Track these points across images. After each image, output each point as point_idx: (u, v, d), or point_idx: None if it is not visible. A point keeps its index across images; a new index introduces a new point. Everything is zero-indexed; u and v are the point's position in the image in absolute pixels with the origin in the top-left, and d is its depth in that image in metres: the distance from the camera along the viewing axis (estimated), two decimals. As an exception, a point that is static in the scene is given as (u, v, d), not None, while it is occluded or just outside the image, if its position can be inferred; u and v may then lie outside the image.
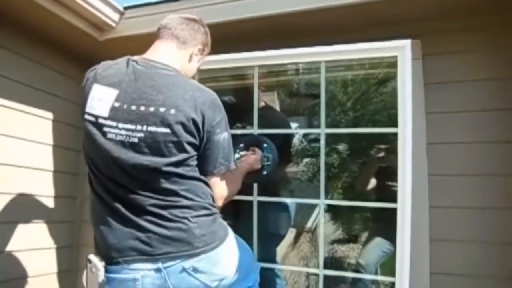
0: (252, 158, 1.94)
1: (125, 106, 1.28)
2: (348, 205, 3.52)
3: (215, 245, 1.33)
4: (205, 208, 1.35)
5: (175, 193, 1.30)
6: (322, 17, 2.02)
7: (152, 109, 1.27)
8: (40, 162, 2.39)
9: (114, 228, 1.28)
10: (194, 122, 1.29)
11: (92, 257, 1.32)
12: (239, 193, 1.66)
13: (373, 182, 3.12)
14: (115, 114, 1.28)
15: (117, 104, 1.29)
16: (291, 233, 3.53)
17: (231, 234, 1.45)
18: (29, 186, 2.30)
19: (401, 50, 1.93)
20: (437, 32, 2.05)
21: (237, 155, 2.01)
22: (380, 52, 2.02)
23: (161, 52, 1.44)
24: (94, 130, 1.29)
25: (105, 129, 1.28)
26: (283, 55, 2.14)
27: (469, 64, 2.03)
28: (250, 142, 2.05)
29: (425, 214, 1.96)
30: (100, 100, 1.30)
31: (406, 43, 1.90)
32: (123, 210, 1.28)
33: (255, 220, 2.19)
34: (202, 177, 1.38)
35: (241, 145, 2.03)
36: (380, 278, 2.19)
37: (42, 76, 2.40)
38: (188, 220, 1.29)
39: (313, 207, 4.07)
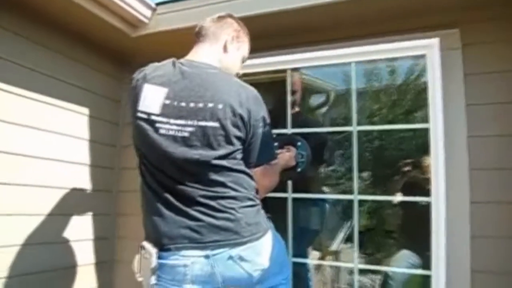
0: (287, 155, 2.02)
1: (175, 103, 1.37)
2: (380, 199, 3.52)
3: (259, 235, 1.39)
4: (250, 199, 1.42)
5: (223, 185, 1.37)
6: (352, 9, 1.99)
7: (201, 105, 1.36)
8: (77, 156, 2.47)
9: (166, 217, 1.36)
10: (241, 116, 1.37)
11: (146, 244, 1.39)
12: (274, 190, 1.72)
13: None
14: (166, 110, 1.37)
15: (167, 102, 1.37)
16: (314, 256, 3.47)
17: (272, 227, 1.51)
18: (67, 179, 2.38)
19: (429, 49, 1.99)
20: (479, 21, 1.97)
21: None
22: (409, 51, 2.08)
23: (199, 53, 1.54)
24: (147, 127, 1.38)
25: (158, 125, 1.37)
26: (314, 57, 2.26)
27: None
28: (285, 141, 2.12)
29: (465, 209, 1.90)
30: (152, 98, 1.39)
31: (435, 41, 1.95)
32: (174, 200, 1.36)
33: (290, 216, 2.26)
34: (247, 170, 1.45)
35: (276, 144, 2.09)
36: (415, 271, 2.16)
37: (77, 72, 2.47)
38: (235, 210, 1.36)
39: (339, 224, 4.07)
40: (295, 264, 2.23)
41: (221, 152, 1.36)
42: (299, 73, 2.53)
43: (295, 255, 2.27)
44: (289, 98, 2.38)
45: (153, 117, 1.37)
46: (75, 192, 2.42)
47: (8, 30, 2.05)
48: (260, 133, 1.44)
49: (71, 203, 2.38)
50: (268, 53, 2.31)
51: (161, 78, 1.42)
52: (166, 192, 1.37)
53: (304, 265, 2.49)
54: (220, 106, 1.35)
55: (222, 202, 1.36)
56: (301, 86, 2.53)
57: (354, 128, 2.17)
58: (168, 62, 1.48)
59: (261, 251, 1.40)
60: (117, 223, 2.68)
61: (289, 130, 2.34)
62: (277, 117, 2.39)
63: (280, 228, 2.21)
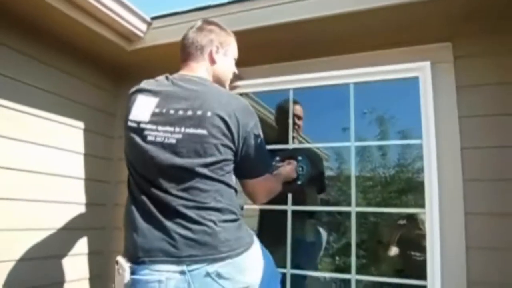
0: (288, 167, 2.07)
1: (164, 111, 1.40)
2: (376, 211, 3.54)
3: (240, 250, 1.35)
4: (232, 212, 1.39)
5: (205, 194, 1.35)
6: (342, 24, 2.03)
7: (190, 113, 1.38)
8: (72, 170, 2.47)
9: (143, 229, 1.34)
10: (228, 126, 1.37)
11: (120, 258, 1.38)
12: (274, 202, 1.77)
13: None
14: (155, 118, 1.40)
15: (157, 110, 1.41)
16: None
17: (256, 242, 1.47)
18: (62, 193, 2.38)
19: (422, 71, 2.11)
20: (470, 34, 2.01)
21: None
22: (403, 73, 2.17)
23: (188, 67, 1.56)
24: (136, 135, 1.41)
25: (146, 132, 1.39)
26: (314, 78, 2.35)
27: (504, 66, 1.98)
28: (286, 155, 2.21)
29: (460, 220, 1.92)
30: (143, 107, 1.43)
31: (426, 64, 2.08)
32: (153, 210, 1.34)
33: (289, 229, 2.31)
34: (233, 184, 1.44)
35: (278, 158, 2.20)
36: (410, 281, 2.20)
37: (72, 86, 2.48)
38: (214, 223, 1.32)
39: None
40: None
41: (208, 160, 1.35)
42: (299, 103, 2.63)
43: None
44: (291, 114, 2.45)
45: (142, 125, 1.40)
46: (70, 207, 2.42)
47: (3, 45, 2.07)
48: (253, 144, 1.44)
49: (66, 218, 2.38)
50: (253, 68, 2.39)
51: (153, 89, 1.46)
52: (148, 201, 1.36)
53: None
54: (208, 114, 1.36)
55: (202, 213, 1.33)
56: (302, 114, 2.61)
57: (353, 209, 2.22)
58: (161, 77, 1.53)
59: (244, 267, 1.36)
60: (112, 237, 2.67)
61: (290, 146, 2.43)
62: (280, 134, 2.54)
63: (279, 240, 2.28)
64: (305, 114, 2.64)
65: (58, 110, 2.36)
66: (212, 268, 1.29)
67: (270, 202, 1.73)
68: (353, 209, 2.21)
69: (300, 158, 2.17)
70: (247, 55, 1.79)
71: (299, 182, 2.12)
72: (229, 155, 1.40)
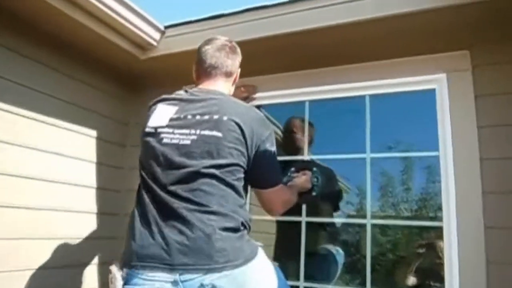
0: (303, 178, 2.12)
1: (182, 116, 1.46)
2: (392, 224, 3.49)
3: (239, 263, 1.29)
4: (236, 221, 1.36)
5: (210, 197, 1.34)
6: (359, 31, 2.01)
7: (206, 117, 1.43)
8: (84, 179, 2.50)
9: (140, 232, 1.34)
10: (243, 132, 1.41)
11: (112, 267, 1.39)
12: (288, 213, 1.78)
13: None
14: (173, 123, 1.46)
15: (175, 116, 1.47)
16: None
17: (261, 256, 1.42)
18: (74, 202, 2.40)
19: (438, 83, 2.11)
20: (489, 42, 1.99)
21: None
22: (420, 85, 2.18)
23: (210, 84, 1.62)
24: (152, 139, 1.45)
25: (162, 135, 1.44)
26: (330, 90, 2.37)
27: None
28: (301, 166, 2.24)
29: (480, 234, 1.87)
30: (162, 115, 1.49)
31: (442, 76, 2.09)
32: (154, 213, 1.35)
33: (303, 240, 2.30)
34: (242, 193, 1.44)
35: (292, 168, 2.23)
36: None
37: (85, 94, 2.52)
38: (213, 229, 1.29)
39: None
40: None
41: (219, 161, 1.37)
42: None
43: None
44: (306, 127, 2.47)
45: (159, 129, 1.45)
46: (81, 216, 2.44)
47: (15, 52, 2.10)
48: (266, 154, 1.46)
49: (77, 227, 2.40)
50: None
51: (173, 98, 1.55)
52: (152, 204, 1.37)
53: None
54: (225, 118, 1.41)
55: (203, 217, 1.30)
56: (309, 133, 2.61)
57: (368, 221, 2.20)
58: (180, 90, 1.61)
59: (243, 282, 1.30)
60: (123, 247, 2.66)
61: (305, 157, 2.45)
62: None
63: (293, 252, 2.27)
64: (318, 127, 2.65)
65: (71, 118, 2.39)
66: (207, 279, 1.25)
67: (284, 213, 1.73)
68: (368, 221, 2.19)
69: (314, 169, 2.20)
70: (261, 63, 1.80)
71: (314, 193, 2.14)
72: (242, 161, 1.42)
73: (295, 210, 2.04)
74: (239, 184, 1.43)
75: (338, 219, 2.93)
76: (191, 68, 1.72)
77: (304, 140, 2.49)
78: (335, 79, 2.34)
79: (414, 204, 4.68)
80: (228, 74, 1.65)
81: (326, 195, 2.36)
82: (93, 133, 2.56)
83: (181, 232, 1.29)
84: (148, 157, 1.45)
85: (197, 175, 1.36)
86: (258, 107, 2.33)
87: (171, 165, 1.39)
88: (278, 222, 2.62)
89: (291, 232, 2.41)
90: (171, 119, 1.46)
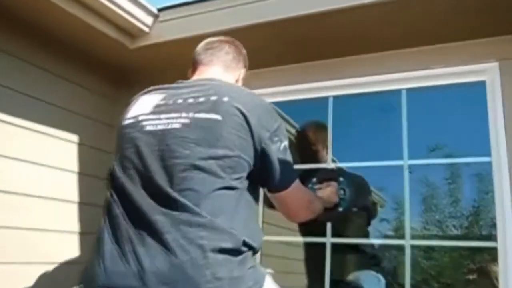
0: (328, 190, 2.07)
1: (170, 102, 1.41)
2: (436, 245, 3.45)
3: None
4: (234, 238, 1.24)
5: (203, 199, 1.24)
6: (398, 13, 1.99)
7: (202, 99, 1.37)
8: (63, 192, 2.50)
9: (106, 251, 1.25)
10: (247, 119, 1.34)
11: None
12: (310, 234, 1.75)
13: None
14: (158, 109, 1.41)
15: (162, 102, 1.43)
16: None
17: (268, 286, 1.33)
18: (51, 220, 2.40)
19: (489, 73, 2.08)
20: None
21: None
22: (466, 77, 2.16)
23: (206, 72, 1.61)
24: (131, 129, 1.40)
25: (144, 123, 1.39)
26: (358, 83, 2.35)
27: None
28: (324, 176, 2.21)
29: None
30: (144, 104, 1.46)
31: (494, 66, 2.06)
32: (127, 226, 1.26)
33: (328, 266, 2.28)
34: (247, 197, 1.37)
35: (314, 179, 2.20)
36: None
37: (64, 91, 2.53)
38: (203, 250, 1.17)
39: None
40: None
41: (219, 152, 1.28)
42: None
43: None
44: (330, 127, 2.44)
45: (141, 117, 1.41)
46: (60, 236, 2.44)
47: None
48: (277, 148, 1.41)
49: (56, 248, 2.41)
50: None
51: (159, 88, 1.53)
52: (124, 213, 1.28)
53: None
54: (225, 99, 1.35)
55: (190, 232, 1.19)
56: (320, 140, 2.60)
57: (407, 242, 2.18)
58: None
59: None
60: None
61: (329, 164, 2.42)
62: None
63: (317, 278, 2.25)
64: (345, 128, 2.63)
65: (46, 120, 2.39)
66: None
67: (306, 233, 1.71)
68: (407, 242, 2.17)
69: (341, 179, 2.17)
70: (273, 52, 1.79)
71: (340, 209, 2.11)
72: (247, 155, 1.34)
73: (318, 229, 2.01)
74: (243, 187, 1.35)
75: (370, 240, 2.90)
76: (190, 58, 1.71)
77: (323, 151, 2.48)
78: (363, 70, 2.33)
79: (463, 220, 4.62)
80: (227, 66, 1.64)
81: (357, 210, 2.33)
82: (74, 137, 2.57)
83: (160, 254, 1.18)
84: (125, 151, 1.38)
85: (189, 168, 1.27)
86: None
87: (157, 155, 1.31)
88: (305, 245, 2.61)
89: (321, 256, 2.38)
90: (157, 105, 1.41)
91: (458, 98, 2.42)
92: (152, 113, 1.40)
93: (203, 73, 1.61)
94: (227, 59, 1.65)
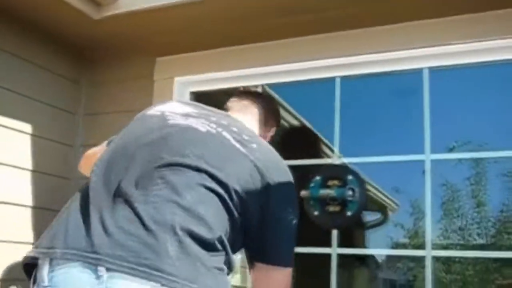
0: None
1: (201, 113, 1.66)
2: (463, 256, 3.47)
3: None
4: (211, 229, 1.37)
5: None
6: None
7: (234, 129, 1.60)
8: (14, 194, 2.45)
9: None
10: (262, 174, 1.49)
11: None
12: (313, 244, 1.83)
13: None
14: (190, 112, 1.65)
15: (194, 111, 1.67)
16: None
17: None
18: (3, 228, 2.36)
19: None
20: None
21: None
22: (496, 54, 2.15)
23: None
24: (152, 118, 1.63)
25: (169, 117, 1.60)
26: (370, 61, 2.35)
27: None
28: (330, 174, 2.25)
29: None
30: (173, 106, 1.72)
31: None
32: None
33: (335, 278, 2.30)
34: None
35: (317, 177, 2.24)
36: None
37: (14, 71, 2.48)
38: (172, 227, 1.30)
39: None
40: None
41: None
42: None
43: None
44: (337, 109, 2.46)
45: (167, 113, 1.61)
46: (9, 247, 2.39)
47: None
48: (284, 219, 1.53)
49: (6, 264, 2.36)
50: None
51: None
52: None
53: None
54: (254, 146, 1.54)
55: (162, 205, 1.34)
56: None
57: (428, 253, 2.19)
58: None
59: None
60: None
61: (335, 160, 2.43)
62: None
63: None
64: (354, 115, 2.63)
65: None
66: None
67: (309, 243, 1.67)
68: (429, 253, 2.17)
69: (350, 177, 2.20)
70: (267, 22, 1.74)
71: (349, 213, 2.13)
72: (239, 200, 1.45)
73: (322, 238, 2.01)
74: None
75: (387, 251, 2.93)
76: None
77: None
78: (378, 45, 2.30)
79: (489, 226, 4.65)
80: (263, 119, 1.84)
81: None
82: (27, 127, 2.52)
83: (128, 221, 1.32)
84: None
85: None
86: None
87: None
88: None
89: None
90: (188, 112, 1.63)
91: (491, 79, 2.40)
92: (180, 114, 1.63)
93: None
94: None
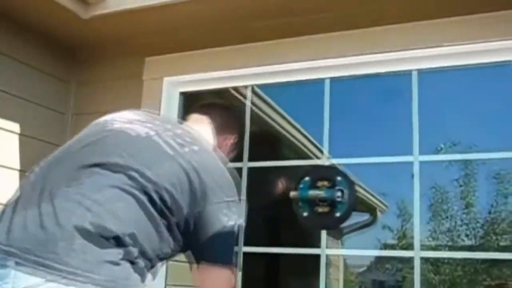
0: None
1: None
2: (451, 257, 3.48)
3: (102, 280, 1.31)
4: (119, 225, 1.41)
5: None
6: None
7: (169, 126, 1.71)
8: (1, 194, 2.39)
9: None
10: (200, 179, 1.56)
11: None
12: (301, 245, 1.81)
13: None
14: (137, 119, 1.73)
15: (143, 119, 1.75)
16: None
17: None
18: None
19: None
20: None
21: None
22: (490, 56, 2.13)
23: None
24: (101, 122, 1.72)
25: (115, 122, 1.70)
26: (360, 63, 2.33)
27: None
28: (319, 175, 2.25)
29: None
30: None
31: None
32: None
33: (323, 279, 2.30)
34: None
35: (306, 178, 2.24)
36: None
37: (4, 71, 2.48)
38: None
39: None
40: None
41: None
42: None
43: None
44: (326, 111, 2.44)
45: (109, 120, 1.70)
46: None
47: None
48: (219, 220, 1.57)
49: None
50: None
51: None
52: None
53: None
54: (195, 148, 1.63)
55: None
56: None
57: (416, 254, 2.19)
58: None
59: None
60: None
61: (324, 161, 2.42)
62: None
63: None
64: (343, 116, 2.62)
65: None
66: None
67: (297, 244, 1.67)
68: (417, 254, 2.18)
69: (339, 178, 2.20)
70: (251, 24, 1.74)
71: (337, 214, 2.13)
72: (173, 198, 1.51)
73: (311, 239, 1.98)
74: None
75: (376, 252, 2.95)
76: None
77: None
78: (367, 46, 2.30)
79: (478, 228, 4.68)
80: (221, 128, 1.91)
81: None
82: (15, 127, 2.51)
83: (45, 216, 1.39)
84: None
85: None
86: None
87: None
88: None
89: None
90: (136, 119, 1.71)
91: (480, 82, 2.42)
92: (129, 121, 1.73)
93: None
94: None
